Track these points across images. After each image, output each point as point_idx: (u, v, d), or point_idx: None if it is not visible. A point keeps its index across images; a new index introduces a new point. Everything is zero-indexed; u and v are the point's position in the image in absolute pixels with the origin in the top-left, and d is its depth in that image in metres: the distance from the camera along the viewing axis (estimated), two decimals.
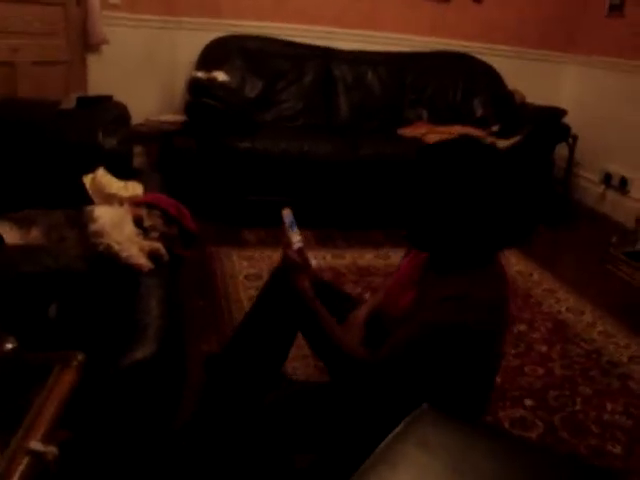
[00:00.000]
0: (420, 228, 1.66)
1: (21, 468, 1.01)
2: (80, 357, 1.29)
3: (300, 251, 1.82)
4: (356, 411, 1.67)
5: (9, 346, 1.16)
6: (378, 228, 4.14)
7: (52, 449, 1.06)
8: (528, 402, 2.50)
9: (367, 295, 3.16)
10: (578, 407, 2.50)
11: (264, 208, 4.00)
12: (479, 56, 5.11)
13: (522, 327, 3.08)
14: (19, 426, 1.09)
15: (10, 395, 1.18)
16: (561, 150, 4.79)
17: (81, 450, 1.34)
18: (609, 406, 2.53)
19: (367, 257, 3.75)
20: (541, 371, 2.72)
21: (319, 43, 4.85)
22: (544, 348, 2.91)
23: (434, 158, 1.62)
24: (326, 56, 4.81)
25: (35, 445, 1.04)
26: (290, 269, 1.80)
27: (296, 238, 1.84)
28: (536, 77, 5.25)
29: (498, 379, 2.60)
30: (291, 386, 1.99)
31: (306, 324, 1.80)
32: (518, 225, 1.68)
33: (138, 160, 4.02)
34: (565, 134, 4.50)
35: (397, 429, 1.32)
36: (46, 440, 1.07)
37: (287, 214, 1.87)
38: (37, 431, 1.08)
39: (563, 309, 3.32)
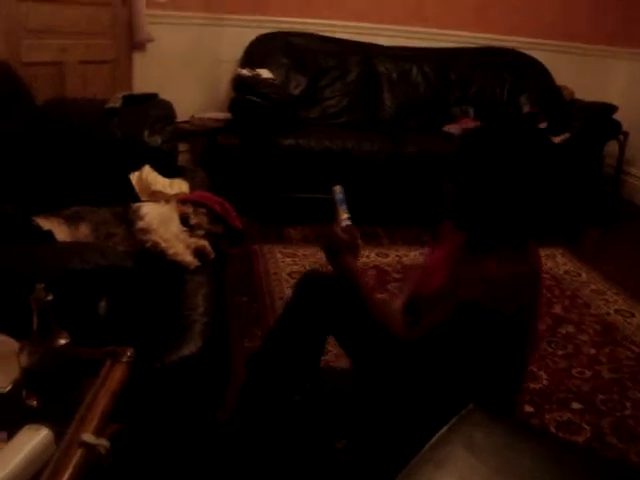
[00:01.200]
0: (465, 206, 1.69)
1: (75, 460, 1.02)
2: (130, 352, 1.30)
3: (348, 229, 1.82)
4: (393, 396, 1.68)
5: (62, 341, 1.18)
6: (422, 226, 4.11)
7: (104, 442, 1.07)
8: (575, 405, 2.45)
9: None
10: (628, 412, 2.44)
11: (308, 205, 4.02)
12: (526, 51, 5.03)
13: (570, 328, 3.02)
14: (72, 419, 1.11)
15: (63, 388, 1.20)
16: (611, 147, 4.69)
17: (131, 442, 1.36)
18: None
19: (411, 255, 3.72)
20: (589, 374, 2.67)
21: (363, 39, 4.83)
22: (592, 350, 2.85)
23: (480, 140, 1.68)
24: (370, 52, 4.78)
25: (88, 437, 1.06)
26: (337, 247, 1.82)
27: (344, 216, 1.85)
28: (585, 72, 5.13)
29: (545, 381, 2.57)
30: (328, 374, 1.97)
31: (342, 320, 1.84)
32: (552, 210, 1.73)
33: (183, 158, 4.07)
34: (616, 131, 4.40)
35: (443, 429, 1.31)
36: (98, 433, 1.08)
37: (338, 190, 1.88)
38: (89, 424, 1.09)
39: (612, 311, 3.24)
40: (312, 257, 3.52)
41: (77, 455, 1.04)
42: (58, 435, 1.07)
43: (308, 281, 2.06)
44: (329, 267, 1.95)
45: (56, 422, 1.10)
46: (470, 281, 1.60)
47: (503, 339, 1.65)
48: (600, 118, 4.31)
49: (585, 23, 5.18)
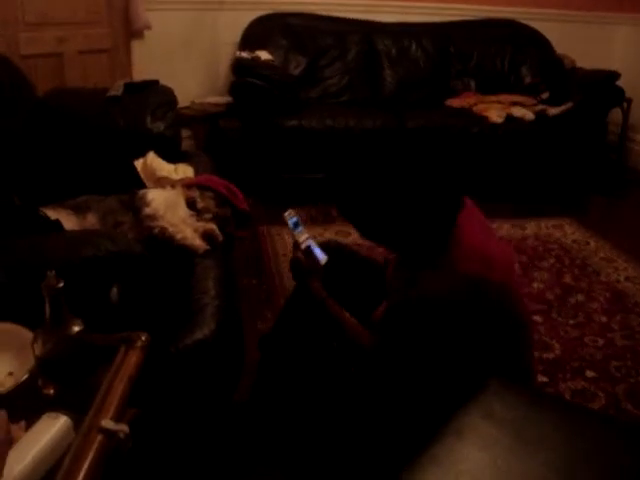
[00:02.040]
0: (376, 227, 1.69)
1: (95, 446, 1.03)
2: (144, 337, 1.31)
3: (308, 251, 1.82)
4: (411, 370, 1.69)
5: (76, 328, 1.18)
6: None
7: (123, 427, 1.08)
8: (589, 373, 2.45)
9: None
10: None
11: (312, 185, 4.02)
12: (525, 21, 4.97)
13: (580, 297, 3.01)
14: (90, 405, 1.11)
15: (79, 375, 1.20)
16: (615, 115, 4.65)
17: (149, 427, 1.36)
18: None
19: None
20: (601, 342, 2.66)
21: (361, 17, 4.80)
22: (604, 318, 2.84)
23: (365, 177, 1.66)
24: (368, 30, 4.75)
25: (107, 423, 1.06)
26: (302, 272, 1.85)
27: (302, 238, 1.85)
28: (586, 40, 5.06)
29: (558, 350, 2.57)
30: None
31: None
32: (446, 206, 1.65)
33: (186, 143, 4.06)
34: (619, 98, 4.36)
35: (464, 401, 1.31)
36: (117, 418, 1.09)
37: (289, 216, 1.88)
38: (108, 410, 1.10)
39: (622, 278, 3.23)
40: (319, 237, 3.52)
41: (97, 441, 1.05)
42: (77, 422, 1.08)
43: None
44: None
45: (74, 409, 1.11)
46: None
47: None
48: (603, 86, 4.27)
49: None
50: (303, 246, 1.85)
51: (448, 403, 1.37)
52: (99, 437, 1.04)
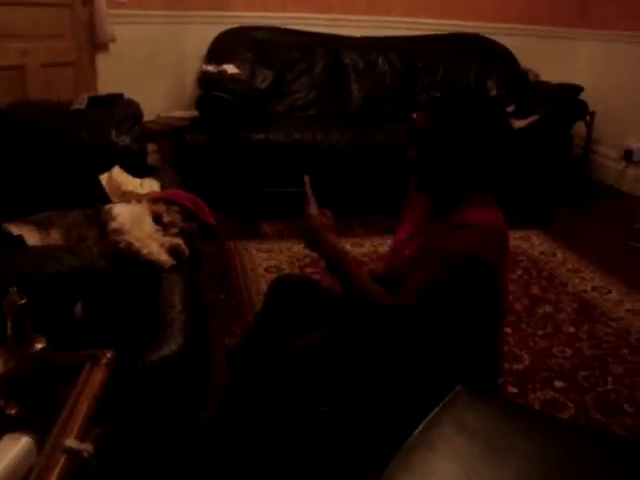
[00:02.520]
0: (427, 168, 1.71)
1: (59, 466, 1.00)
2: (109, 354, 1.28)
3: (321, 211, 1.82)
4: (379, 380, 1.68)
5: (39, 345, 1.15)
6: (396, 214, 4.07)
7: (88, 446, 1.04)
8: (558, 383, 2.47)
9: None
10: (610, 386, 2.46)
11: (280, 199, 4.00)
12: (490, 36, 5.05)
13: (548, 308, 3.04)
14: (53, 425, 1.08)
15: (42, 394, 1.17)
16: (578, 128, 4.73)
17: (115, 446, 1.33)
18: None
19: (387, 244, 3.71)
20: (570, 352, 2.68)
21: (328, 31, 4.82)
22: (571, 329, 2.87)
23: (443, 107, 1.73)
24: (335, 44, 4.78)
25: (71, 443, 1.03)
26: (316, 229, 1.81)
27: (315, 203, 1.85)
28: (550, 54, 5.16)
29: (527, 361, 2.58)
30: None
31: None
32: (522, 188, 1.80)
33: (152, 157, 4.02)
34: (582, 111, 4.44)
35: (433, 412, 1.30)
36: (81, 437, 1.06)
37: (308, 179, 1.88)
38: (72, 429, 1.07)
39: (589, 288, 3.27)
40: (288, 251, 3.50)
41: (61, 461, 1.01)
42: (40, 442, 1.05)
43: (280, 284, 2.13)
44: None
45: (37, 429, 1.07)
46: (442, 240, 1.62)
47: (482, 293, 1.67)
48: (567, 99, 4.35)
49: (547, 6, 5.22)
50: (316, 209, 1.84)
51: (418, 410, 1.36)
52: (63, 457, 1.01)
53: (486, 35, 5.05)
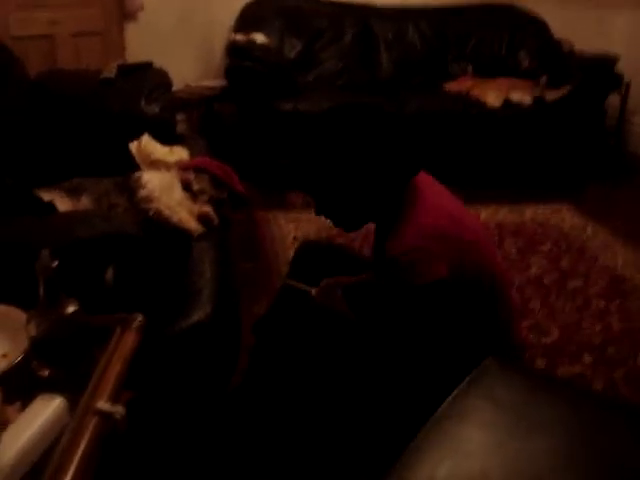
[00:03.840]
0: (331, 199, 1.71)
1: (91, 428, 1.01)
2: (140, 319, 1.29)
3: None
4: (404, 353, 1.68)
5: (71, 308, 1.15)
6: None
7: (119, 408, 1.06)
8: (587, 358, 2.44)
9: None
10: (639, 362, 2.43)
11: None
12: (523, 6, 4.94)
13: (578, 282, 3.00)
14: (86, 387, 1.09)
15: (74, 357, 1.18)
16: (613, 99, 4.62)
17: (145, 409, 1.34)
18: None
19: None
20: (599, 326, 2.65)
21: (357, 0, 4.74)
22: (602, 303, 2.83)
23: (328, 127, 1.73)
24: (365, 13, 4.71)
25: (103, 405, 1.04)
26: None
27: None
28: (585, 24, 5.00)
29: (555, 335, 2.56)
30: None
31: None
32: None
33: (180, 127, 4.01)
34: (617, 82, 4.33)
35: (463, 383, 1.30)
36: (112, 400, 1.07)
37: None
38: (103, 391, 1.08)
39: (620, 263, 3.22)
40: (316, 221, 3.49)
41: (93, 423, 1.03)
42: (73, 404, 1.06)
43: (305, 250, 2.18)
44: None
45: (69, 391, 1.09)
46: (400, 275, 1.56)
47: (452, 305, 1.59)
48: (601, 70, 4.23)
49: None
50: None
51: (442, 384, 1.35)
52: (95, 419, 1.02)
53: (519, 5, 4.95)
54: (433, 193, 1.69)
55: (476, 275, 1.64)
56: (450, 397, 1.26)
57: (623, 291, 2.93)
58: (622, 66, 4.26)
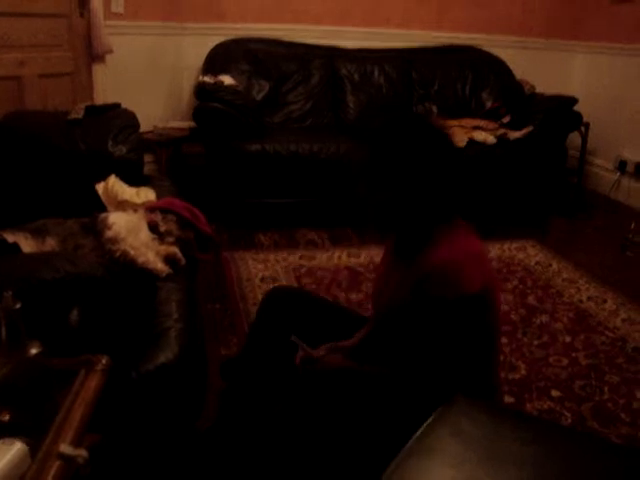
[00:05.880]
0: (383, 207, 1.66)
1: (52, 472, 0.99)
2: (105, 361, 1.27)
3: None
4: (375, 390, 1.69)
5: (34, 351, 1.14)
6: None
7: (82, 452, 1.04)
8: (555, 393, 2.46)
9: None
10: (606, 396, 2.46)
11: (276, 210, 4.01)
12: (486, 48, 5.09)
13: (544, 318, 3.03)
14: (48, 430, 1.07)
15: (37, 400, 1.16)
16: (574, 139, 4.75)
17: (109, 453, 1.32)
18: (638, 394, 2.48)
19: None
20: (566, 361, 2.68)
21: (324, 42, 4.84)
22: (568, 338, 2.86)
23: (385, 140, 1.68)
24: (331, 55, 4.79)
25: (65, 449, 1.02)
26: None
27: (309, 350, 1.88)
28: (544, 66, 5.20)
29: (523, 371, 2.58)
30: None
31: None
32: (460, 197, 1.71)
33: (148, 168, 4.03)
34: (577, 122, 4.45)
35: (430, 419, 1.29)
36: (75, 443, 1.05)
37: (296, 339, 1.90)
38: (66, 435, 1.06)
39: (584, 298, 3.27)
40: (284, 261, 3.50)
41: (54, 467, 1.01)
42: (34, 448, 1.04)
43: (274, 296, 2.15)
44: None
45: (31, 435, 1.06)
46: (428, 285, 1.58)
47: (476, 322, 1.64)
48: (561, 110, 4.36)
49: (541, 18, 5.26)
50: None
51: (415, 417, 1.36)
52: (57, 463, 1.00)
53: (481, 47, 5.09)
54: (460, 233, 1.72)
55: (493, 302, 1.69)
56: (417, 433, 1.25)
57: (588, 326, 2.98)
58: (581, 107, 4.40)
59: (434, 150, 1.64)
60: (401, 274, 1.73)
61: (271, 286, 3.07)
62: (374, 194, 1.64)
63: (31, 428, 1.09)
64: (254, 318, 2.21)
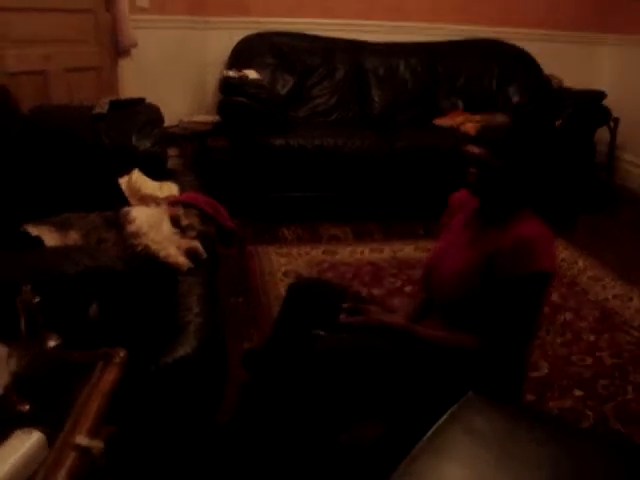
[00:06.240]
0: (501, 178, 1.74)
1: (68, 462, 1.00)
2: (122, 354, 1.28)
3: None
4: (394, 385, 1.70)
5: (52, 343, 1.16)
6: (417, 220, 4.09)
7: (98, 443, 1.05)
8: (577, 392, 2.43)
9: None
10: (630, 396, 2.42)
11: (300, 205, 4.01)
12: (512, 41, 5.02)
13: (568, 316, 3.00)
14: (65, 421, 1.08)
15: (55, 391, 1.17)
16: (602, 134, 4.68)
17: (127, 445, 1.33)
18: None
19: (406, 250, 3.70)
20: (589, 360, 2.65)
21: (348, 37, 4.82)
22: (592, 337, 2.83)
23: (533, 123, 1.89)
24: (356, 49, 4.77)
25: (81, 440, 1.04)
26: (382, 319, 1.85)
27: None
28: (572, 60, 5.12)
29: (545, 369, 2.56)
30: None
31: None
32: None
33: (174, 162, 4.05)
34: (605, 117, 4.39)
35: (443, 417, 1.29)
36: (92, 435, 1.06)
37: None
38: (83, 426, 1.07)
39: (610, 296, 3.22)
40: (306, 256, 3.50)
41: (71, 457, 1.02)
42: (51, 438, 1.05)
43: (297, 288, 2.16)
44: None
45: (49, 426, 1.08)
46: (519, 253, 1.65)
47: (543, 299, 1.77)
48: (589, 105, 4.30)
49: (569, 11, 5.17)
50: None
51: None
52: (73, 453, 1.02)
53: (508, 41, 5.02)
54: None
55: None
56: (429, 432, 1.25)
57: (613, 325, 2.94)
58: (610, 102, 4.33)
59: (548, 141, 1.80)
60: (476, 247, 1.77)
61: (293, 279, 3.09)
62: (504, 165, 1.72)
63: (49, 419, 1.11)
64: (279, 310, 2.21)
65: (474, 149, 1.75)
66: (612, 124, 4.67)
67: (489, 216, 1.82)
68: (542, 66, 4.93)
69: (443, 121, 4.49)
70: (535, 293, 1.70)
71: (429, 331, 1.77)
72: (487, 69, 4.88)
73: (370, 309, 1.88)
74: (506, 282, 1.65)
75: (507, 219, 1.76)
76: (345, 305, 1.89)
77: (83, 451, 1.03)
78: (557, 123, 4.21)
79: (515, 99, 4.77)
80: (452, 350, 1.71)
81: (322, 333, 1.87)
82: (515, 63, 4.92)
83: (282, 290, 3.08)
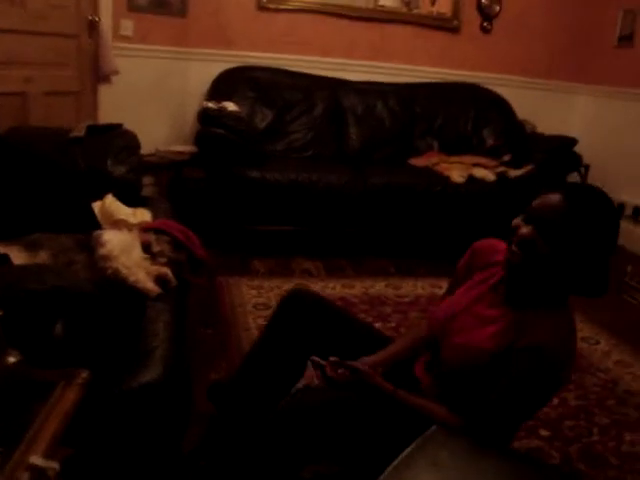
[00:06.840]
0: (546, 266, 1.61)
1: None
2: (84, 375, 1.26)
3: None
4: (363, 419, 1.66)
5: (12, 359, 1.13)
6: (388, 258, 4.12)
7: (53, 465, 1.02)
8: (543, 432, 2.43)
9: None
10: (595, 438, 2.43)
11: (273, 238, 4.02)
12: (489, 86, 5.13)
13: None
14: (20, 441, 1.05)
15: (13, 410, 1.15)
16: (573, 180, 4.77)
17: (83, 468, 1.30)
18: (627, 436, 2.46)
19: (377, 286, 3.71)
20: (556, 401, 2.65)
21: (329, 74, 4.88)
22: None
23: (588, 210, 1.61)
24: (336, 87, 4.82)
25: (36, 460, 1.01)
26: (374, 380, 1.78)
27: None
28: (546, 107, 5.26)
29: None
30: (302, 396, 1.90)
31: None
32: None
33: (149, 190, 4.05)
34: (577, 163, 4.49)
35: (408, 449, 1.28)
36: (47, 455, 1.03)
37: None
38: (38, 446, 1.04)
39: (577, 339, 3.23)
40: (277, 289, 3.49)
41: (24, 478, 0.99)
42: (4, 457, 1.02)
43: (294, 297, 2.09)
44: None
45: (3, 444, 1.05)
46: (528, 353, 1.56)
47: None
48: (561, 151, 4.40)
49: (545, 60, 5.33)
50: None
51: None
52: (26, 474, 0.99)
53: (485, 85, 5.14)
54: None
55: None
56: (394, 463, 1.24)
57: (579, 366, 2.95)
58: (581, 149, 4.43)
59: (608, 231, 1.63)
60: (502, 333, 1.65)
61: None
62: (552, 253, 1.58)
63: (4, 437, 1.08)
64: (254, 338, 2.18)
65: (523, 229, 1.60)
66: (583, 170, 4.77)
67: (519, 299, 1.70)
68: (516, 111, 5.04)
69: (418, 161, 4.54)
70: (542, 397, 1.63)
71: (417, 401, 1.68)
72: (463, 112, 4.97)
73: (358, 365, 1.80)
74: (515, 380, 1.55)
75: (539, 306, 1.65)
76: (332, 359, 1.83)
77: (38, 472, 1.00)
78: (529, 168, 4.29)
79: (490, 142, 4.86)
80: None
81: (323, 362, 1.83)
82: (490, 107, 5.02)
83: (252, 322, 3.07)
